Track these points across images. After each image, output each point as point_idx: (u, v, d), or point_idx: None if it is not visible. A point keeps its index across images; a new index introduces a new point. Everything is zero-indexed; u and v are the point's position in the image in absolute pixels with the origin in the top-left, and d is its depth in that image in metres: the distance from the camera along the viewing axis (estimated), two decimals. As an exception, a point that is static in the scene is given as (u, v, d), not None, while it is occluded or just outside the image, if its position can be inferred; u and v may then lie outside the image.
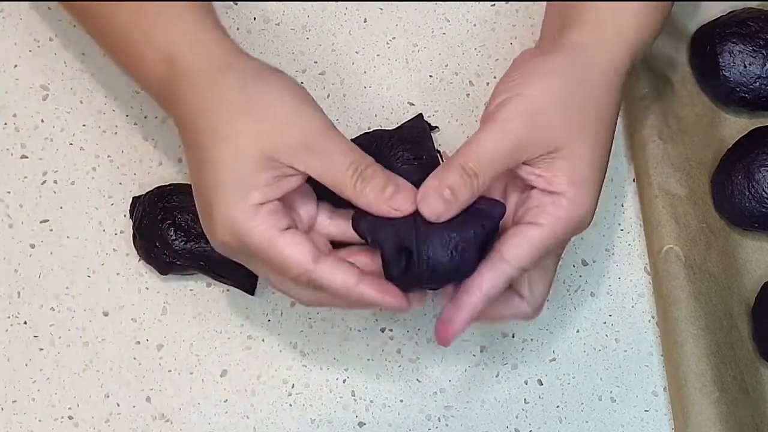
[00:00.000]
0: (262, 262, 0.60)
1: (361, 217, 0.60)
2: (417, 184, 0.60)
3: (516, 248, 0.59)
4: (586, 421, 0.69)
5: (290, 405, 0.70)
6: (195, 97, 0.60)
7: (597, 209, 0.74)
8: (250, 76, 0.60)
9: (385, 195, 0.59)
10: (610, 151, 0.62)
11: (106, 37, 0.65)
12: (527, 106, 0.59)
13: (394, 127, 0.74)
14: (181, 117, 0.61)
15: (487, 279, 0.59)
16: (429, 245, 0.58)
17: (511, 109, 0.59)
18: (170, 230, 0.69)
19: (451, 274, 0.59)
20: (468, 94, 0.76)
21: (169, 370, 0.70)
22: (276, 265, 0.59)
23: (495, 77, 0.76)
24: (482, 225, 0.59)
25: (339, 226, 0.63)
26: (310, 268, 0.58)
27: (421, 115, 0.74)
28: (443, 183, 0.58)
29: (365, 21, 0.78)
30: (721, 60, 0.73)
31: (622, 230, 0.73)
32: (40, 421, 0.69)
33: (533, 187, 0.60)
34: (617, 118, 0.63)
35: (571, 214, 0.60)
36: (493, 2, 0.78)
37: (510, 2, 0.78)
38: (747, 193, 0.70)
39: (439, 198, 0.58)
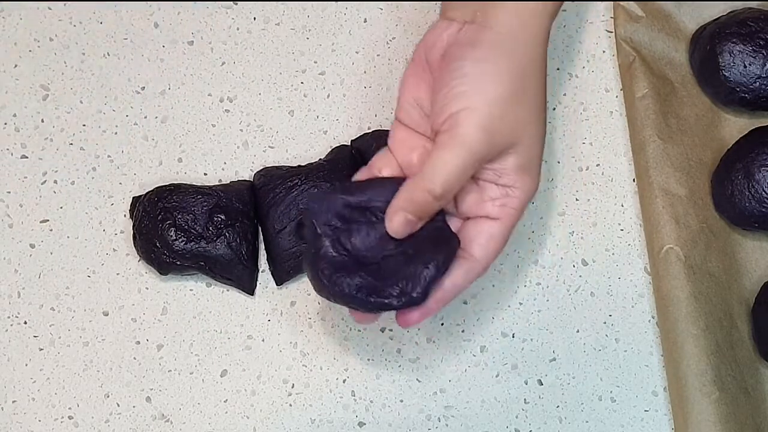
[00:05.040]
0: None
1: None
2: (431, 275, 0.61)
3: (484, 249, 0.63)
4: (586, 421, 0.69)
5: (290, 405, 0.70)
6: None
7: (597, 209, 0.74)
8: None
9: None
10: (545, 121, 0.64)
11: None
12: (482, 118, 0.60)
13: (394, 127, 0.74)
14: None
15: (461, 278, 0.62)
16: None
17: (468, 125, 0.60)
18: (170, 230, 0.70)
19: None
20: (468, 94, 0.76)
21: (169, 370, 0.70)
22: None
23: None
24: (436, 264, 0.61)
25: None
26: None
27: (421, 115, 0.74)
28: (410, 204, 0.61)
29: (365, 21, 0.78)
30: (721, 60, 0.73)
31: (622, 230, 0.73)
32: (40, 421, 0.69)
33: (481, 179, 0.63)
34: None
35: (524, 200, 0.63)
36: (493, 2, 0.78)
37: (510, 2, 0.79)
38: (747, 193, 0.70)
39: (403, 220, 0.61)
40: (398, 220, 0.61)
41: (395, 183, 0.62)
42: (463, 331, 0.71)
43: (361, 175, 0.65)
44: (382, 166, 0.64)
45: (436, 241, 0.62)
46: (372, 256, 0.62)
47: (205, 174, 0.75)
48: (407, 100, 0.64)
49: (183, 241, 0.69)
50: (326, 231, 0.62)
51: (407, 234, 0.61)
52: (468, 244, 0.63)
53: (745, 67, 0.73)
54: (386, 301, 0.60)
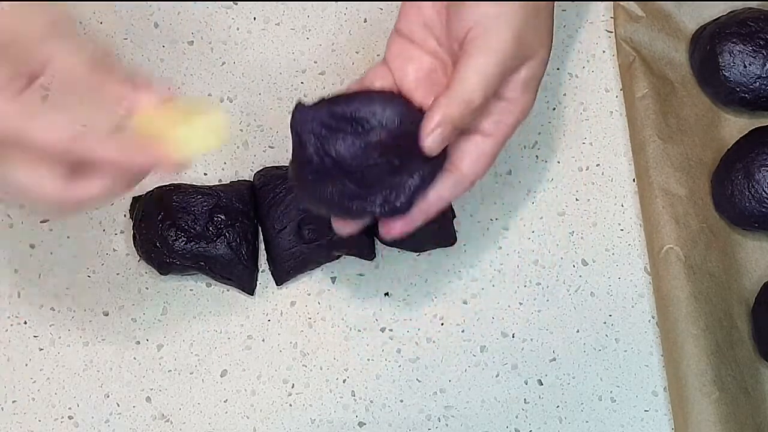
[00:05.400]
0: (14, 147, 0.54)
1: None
2: (416, 185, 0.61)
3: (474, 164, 0.62)
4: (586, 421, 0.69)
5: (290, 405, 0.70)
6: None
7: (597, 209, 0.74)
8: None
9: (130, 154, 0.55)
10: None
11: None
12: (512, 25, 0.59)
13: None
14: None
15: (446, 191, 0.62)
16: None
17: (499, 30, 0.59)
18: (170, 230, 0.69)
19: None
20: (468, 94, 0.76)
21: (169, 370, 0.70)
22: (29, 138, 0.53)
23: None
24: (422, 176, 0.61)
25: None
26: (71, 138, 0.53)
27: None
28: (448, 118, 0.59)
29: (365, 21, 0.78)
30: (721, 60, 0.73)
31: (622, 230, 0.73)
32: (40, 421, 0.69)
33: None
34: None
35: (520, 117, 0.62)
36: (493, 2, 0.78)
37: (510, 2, 0.78)
38: (747, 193, 0.70)
39: (440, 137, 0.59)
40: (435, 138, 0.59)
41: (385, 95, 0.62)
42: (463, 331, 0.71)
43: (353, 87, 0.64)
44: (375, 78, 0.63)
45: (423, 153, 0.61)
46: (357, 164, 0.61)
47: (205, 174, 0.75)
48: (410, 10, 0.63)
49: (183, 241, 0.69)
50: (310, 138, 0.61)
51: (440, 150, 0.60)
52: (457, 158, 0.62)
53: (745, 67, 0.73)
54: (368, 208, 0.60)
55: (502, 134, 0.62)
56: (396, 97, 0.62)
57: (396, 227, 0.62)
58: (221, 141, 0.57)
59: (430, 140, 0.59)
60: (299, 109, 0.61)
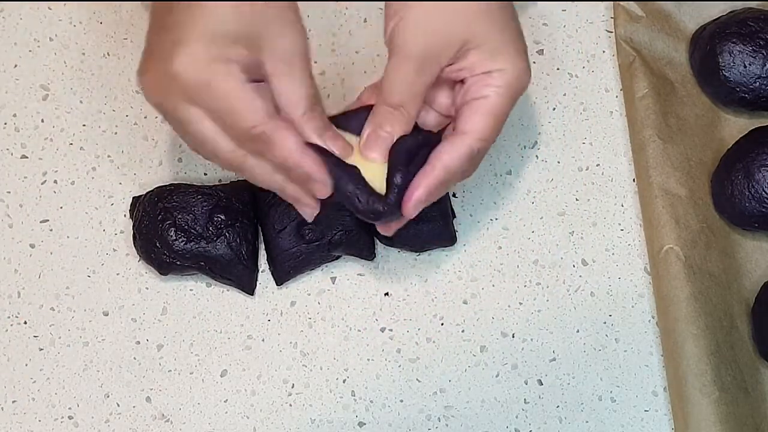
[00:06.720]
0: (208, 109, 0.59)
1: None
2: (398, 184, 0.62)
3: (469, 122, 0.62)
4: (586, 421, 0.69)
5: (290, 405, 0.70)
6: None
7: (597, 209, 0.74)
8: None
9: (324, 135, 0.61)
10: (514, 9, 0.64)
11: None
12: (418, 18, 0.60)
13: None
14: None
15: (447, 152, 0.62)
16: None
17: (405, 30, 0.61)
18: (170, 230, 0.69)
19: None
20: (468, 94, 0.76)
21: (169, 370, 0.70)
22: (229, 113, 0.59)
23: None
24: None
25: None
26: (264, 122, 0.59)
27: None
28: (376, 126, 0.62)
29: (365, 21, 0.78)
30: (721, 60, 0.73)
31: (622, 230, 0.73)
32: (40, 421, 0.69)
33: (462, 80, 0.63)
34: None
35: (509, 78, 0.62)
36: (493, 2, 0.78)
37: (510, 2, 0.78)
38: (747, 193, 0.70)
39: (379, 140, 0.62)
40: (376, 143, 0.62)
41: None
42: (463, 331, 0.71)
43: (351, 106, 0.66)
44: (367, 98, 0.65)
45: (410, 153, 0.62)
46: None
47: (205, 174, 0.75)
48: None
49: (183, 241, 0.69)
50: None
51: (388, 150, 0.62)
52: (457, 122, 0.63)
53: (745, 67, 0.73)
54: (356, 202, 0.62)
55: (497, 95, 0.62)
56: None
57: (390, 224, 0.64)
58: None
59: (366, 145, 0.62)
60: None
